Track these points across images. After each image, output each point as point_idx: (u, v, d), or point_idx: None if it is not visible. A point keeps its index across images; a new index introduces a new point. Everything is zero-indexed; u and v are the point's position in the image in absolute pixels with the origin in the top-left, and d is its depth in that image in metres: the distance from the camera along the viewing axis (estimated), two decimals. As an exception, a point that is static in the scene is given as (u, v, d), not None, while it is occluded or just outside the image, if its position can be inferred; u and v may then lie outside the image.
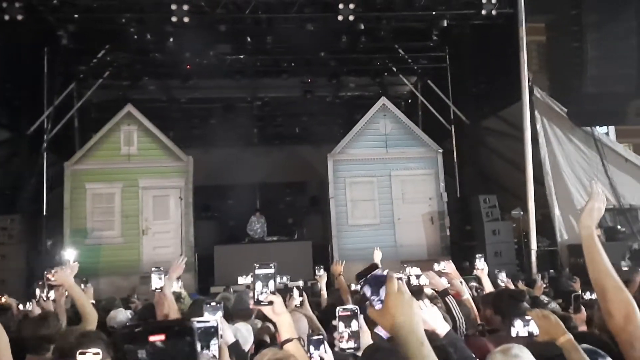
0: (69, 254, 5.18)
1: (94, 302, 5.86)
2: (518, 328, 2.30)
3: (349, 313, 2.29)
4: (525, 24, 11.31)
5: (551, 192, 11.72)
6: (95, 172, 12.86)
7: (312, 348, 2.45)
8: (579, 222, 2.21)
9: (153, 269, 4.18)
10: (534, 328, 2.30)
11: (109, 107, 14.20)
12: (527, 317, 2.31)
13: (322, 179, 14.48)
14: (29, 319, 3.90)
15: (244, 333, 3.54)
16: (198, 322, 2.28)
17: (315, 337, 2.51)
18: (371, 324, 2.40)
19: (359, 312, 2.31)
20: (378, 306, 1.48)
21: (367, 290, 1.51)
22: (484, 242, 12.04)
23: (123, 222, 12.76)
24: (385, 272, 1.50)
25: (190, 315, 3.57)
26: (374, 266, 1.53)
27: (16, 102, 12.83)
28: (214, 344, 2.32)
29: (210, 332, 2.33)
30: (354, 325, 2.27)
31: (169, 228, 12.90)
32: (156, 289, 4.08)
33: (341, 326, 2.25)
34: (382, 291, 1.49)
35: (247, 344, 3.45)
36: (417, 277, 3.78)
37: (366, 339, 2.49)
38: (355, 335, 2.24)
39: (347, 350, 2.24)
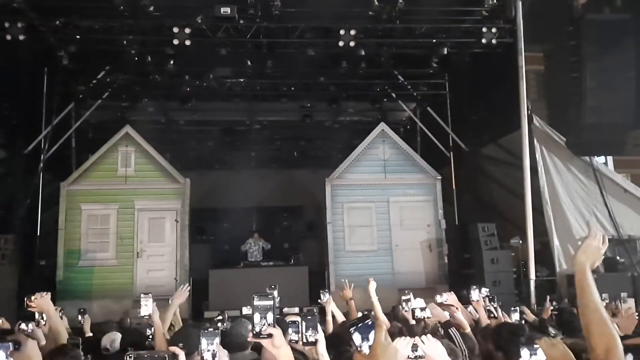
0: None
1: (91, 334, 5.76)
2: (525, 357, 2.22)
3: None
4: (524, 53, 11.40)
5: (550, 221, 11.67)
6: (91, 193, 12.72)
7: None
8: (574, 258, 2.28)
9: (142, 295, 4.09)
10: (541, 357, 2.22)
11: (107, 127, 14.17)
12: (534, 346, 2.23)
13: (320, 204, 14.39)
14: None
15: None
16: None
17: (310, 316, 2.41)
18: None
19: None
20: (366, 351, 1.70)
21: (357, 337, 1.73)
22: (482, 270, 11.91)
23: (118, 244, 12.60)
24: (371, 322, 1.74)
25: (176, 341, 3.43)
26: (365, 317, 1.76)
27: (14, 121, 12.80)
28: None
29: None
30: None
31: (164, 251, 12.73)
32: (145, 316, 3.99)
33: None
34: (371, 338, 1.71)
35: None
36: (422, 309, 3.67)
37: None
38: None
39: None
